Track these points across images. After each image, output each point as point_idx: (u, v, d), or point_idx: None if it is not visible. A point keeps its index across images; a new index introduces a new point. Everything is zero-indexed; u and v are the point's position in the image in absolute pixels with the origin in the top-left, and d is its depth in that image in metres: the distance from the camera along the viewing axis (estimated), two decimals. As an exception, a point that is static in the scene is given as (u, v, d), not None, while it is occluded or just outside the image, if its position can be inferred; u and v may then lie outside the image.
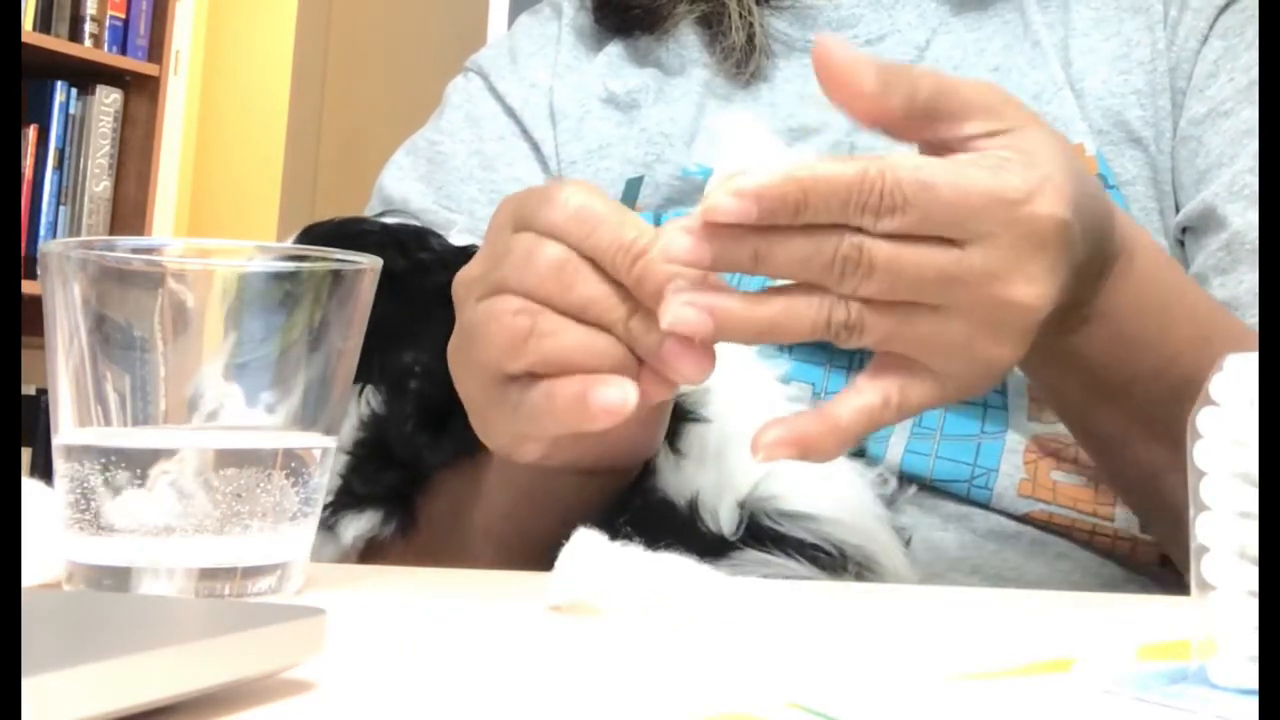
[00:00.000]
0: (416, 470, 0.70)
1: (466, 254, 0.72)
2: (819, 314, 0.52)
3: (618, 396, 0.52)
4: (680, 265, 0.51)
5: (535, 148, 0.92)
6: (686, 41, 0.92)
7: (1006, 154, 0.53)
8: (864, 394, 0.53)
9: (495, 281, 0.54)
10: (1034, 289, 0.53)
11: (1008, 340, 0.53)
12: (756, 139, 0.53)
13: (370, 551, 0.71)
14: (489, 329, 0.54)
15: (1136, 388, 0.64)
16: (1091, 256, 0.57)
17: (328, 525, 0.68)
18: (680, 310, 0.51)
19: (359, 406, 0.69)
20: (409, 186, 0.92)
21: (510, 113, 0.93)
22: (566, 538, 0.51)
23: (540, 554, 0.52)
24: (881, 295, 0.51)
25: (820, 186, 0.50)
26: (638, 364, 0.53)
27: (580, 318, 0.53)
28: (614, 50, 0.93)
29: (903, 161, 0.51)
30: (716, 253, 0.51)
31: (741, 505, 0.65)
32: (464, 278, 0.57)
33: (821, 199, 0.50)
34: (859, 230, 0.51)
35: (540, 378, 0.53)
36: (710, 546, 0.62)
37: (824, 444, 0.52)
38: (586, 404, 0.52)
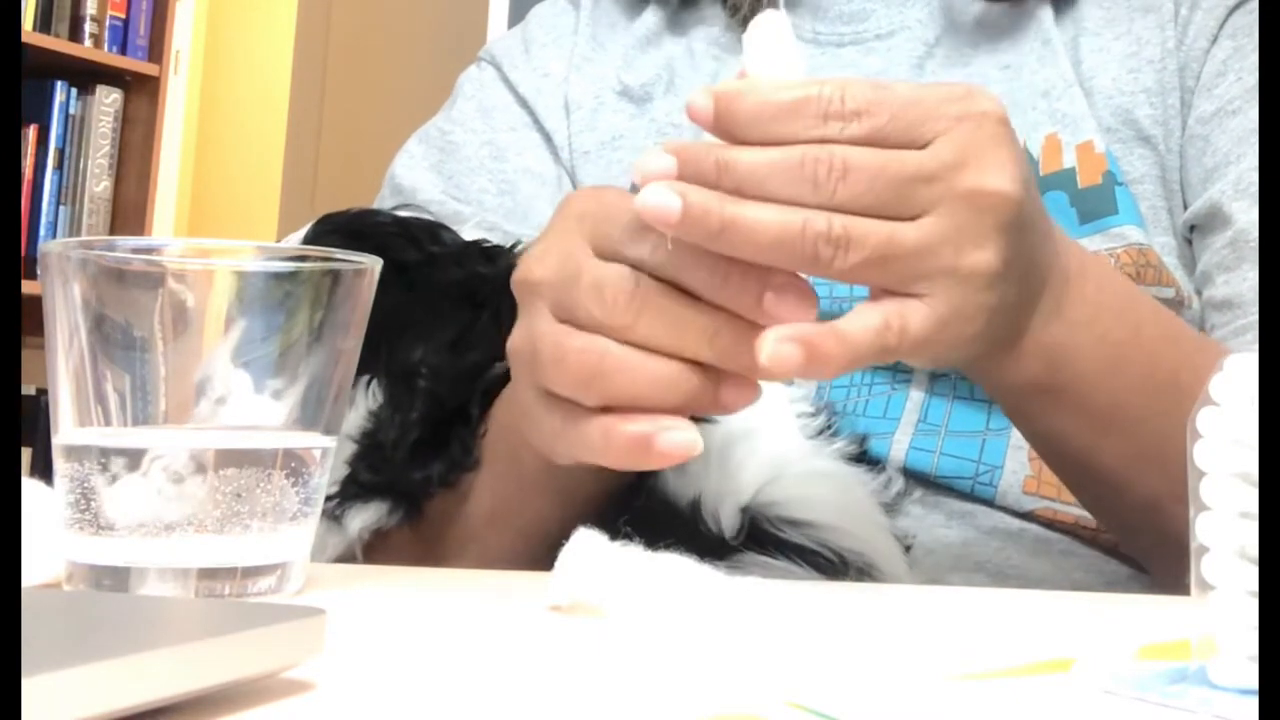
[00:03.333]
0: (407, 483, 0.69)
1: (478, 249, 0.72)
2: (791, 222, 0.50)
3: (685, 441, 0.52)
4: (652, 178, 0.50)
5: (547, 138, 0.92)
6: (700, 32, 0.92)
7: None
8: (865, 314, 0.52)
9: (566, 307, 0.53)
10: (1003, 175, 0.53)
11: (988, 241, 0.53)
12: (782, 43, 0.53)
13: (376, 542, 0.70)
14: (559, 359, 0.53)
15: (1127, 411, 0.64)
16: (1038, 251, 0.58)
17: (334, 516, 0.68)
18: (654, 194, 0.50)
19: (368, 397, 0.69)
20: (419, 175, 0.92)
21: (522, 103, 0.93)
22: (571, 527, 0.51)
23: (548, 542, 0.52)
24: (859, 200, 0.51)
25: (778, 94, 0.51)
26: (714, 386, 0.53)
27: (653, 349, 0.52)
28: (656, 11, 0.93)
29: (858, 80, 0.52)
30: (684, 161, 0.50)
31: (744, 509, 0.65)
32: (528, 279, 0.56)
33: (778, 107, 0.50)
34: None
35: (603, 409, 0.53)
36: (711, 549, 0.62)
37: (830, 354, 0.51)
38: (650, 447, 0.52)
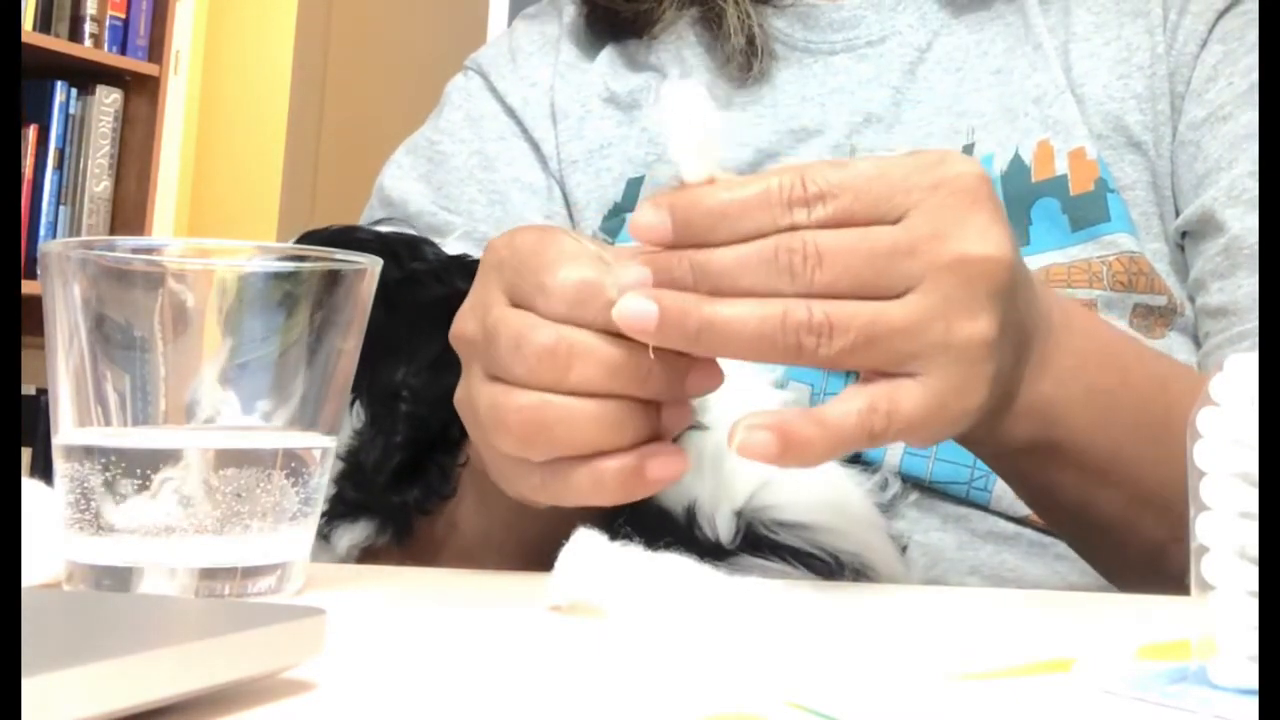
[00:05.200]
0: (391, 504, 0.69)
1: (460, 264, 0.72)
2: (770, 314, 0.49)
3: (674, 462, 0.52)
4: (628, 289, 0.50)
5: (535, 147, 0.92)
6: (687, 43, 0.92)
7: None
8: (851, 399, 0.51)
9: (493, 369, 0.53)
10: (987, 240, 0.51)
11: (980, 309, 0.51)
12: (697, 110, 0.51)
13: (365, 561, 0.70)
14: (498, 420, 0.53)
15: (1123, 459, 0.63)
16: (1029, 309, 0.57)
17: (322, 534, 0.68)
18: (630, 305, 0.49)
19: (352, 416, 0.68)
20: (408, 186, 0.92)
21: (510, 112, 0.93)
22: (566, 539, 0.51)
23: (542, 557, 0.52)
24: (838, 283, 0.49)
25: (735, 193, 0.50)
26: (656, 412, 0.53)
27: (590, 394, 0.51)
28: (613, 52, 0.93)
29: (816, 163, 0.51)
30: (658, 269, 0.50)
31: (739, 514, 0.65)
32: (462, 335, 0.55)
33: (740, 205, 0.49)
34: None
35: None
36: (707, 554, 0.61)
37: (808, 441, 0.50)
38: (643, 477, 0.52)
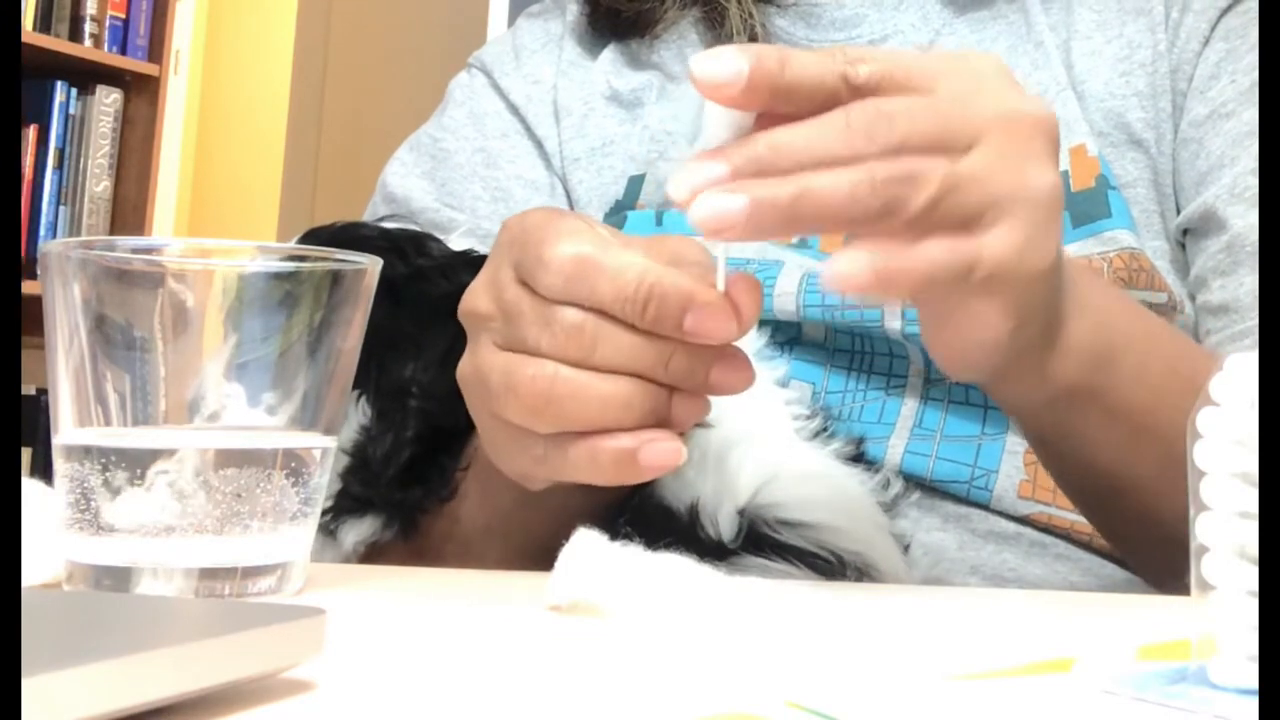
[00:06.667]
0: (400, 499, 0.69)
1: (465, 260, 0.72)
2: (859, 175, 0.49)
3: (669, 451, 0.52)
4: (701, 188, 0.49)
5: (538, 145, 0.92)
6: (690, 41, 0.92)
7: None
8: (939, 242, 0.50)
9: (514, 340, 0.53)
10: (1033, 102, 0.53)
11: (1041, 161, 0.52)
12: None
13: (372, 556, 0.70)
14: (509, 387, 0.53)
15: (1158, 413, 0.63)
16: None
17: (328, 530, 0.68)
18: (712, 202, 0.48)
19: (358, 411, 0.69)
20: (411, 183, 0.92)
21: (513, 110, 0.93)
22: (567, 538, 0.51)
23: (544, 551, 0.52)
24: (911, 141, 0.49)
25: (792, 61, 0.49)
26: (667, 398, 0.53)
27: (611, 372, 0.52)
28: (616, 50, 0.93)
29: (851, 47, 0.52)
30: (730, 159, 0.49)
31: (741, 512, 0.65)
32: (473, 310, 0.56)
33: (800, 68, 0.49)
34: None
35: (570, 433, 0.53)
36: (709, 553, 0.62)
37: (900, 270, 0.49)
38: (636, 461, 0.52)
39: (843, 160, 0.49)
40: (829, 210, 0.49)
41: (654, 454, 0.52)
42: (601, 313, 0.52)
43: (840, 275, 0.49)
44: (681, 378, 0.52)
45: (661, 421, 0.53)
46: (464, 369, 0.57)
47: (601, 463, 0.52)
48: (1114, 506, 0.69)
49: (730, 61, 0.49)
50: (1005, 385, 0.62)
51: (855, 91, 0.50)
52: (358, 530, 0.69)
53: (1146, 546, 0.71)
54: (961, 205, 0.50)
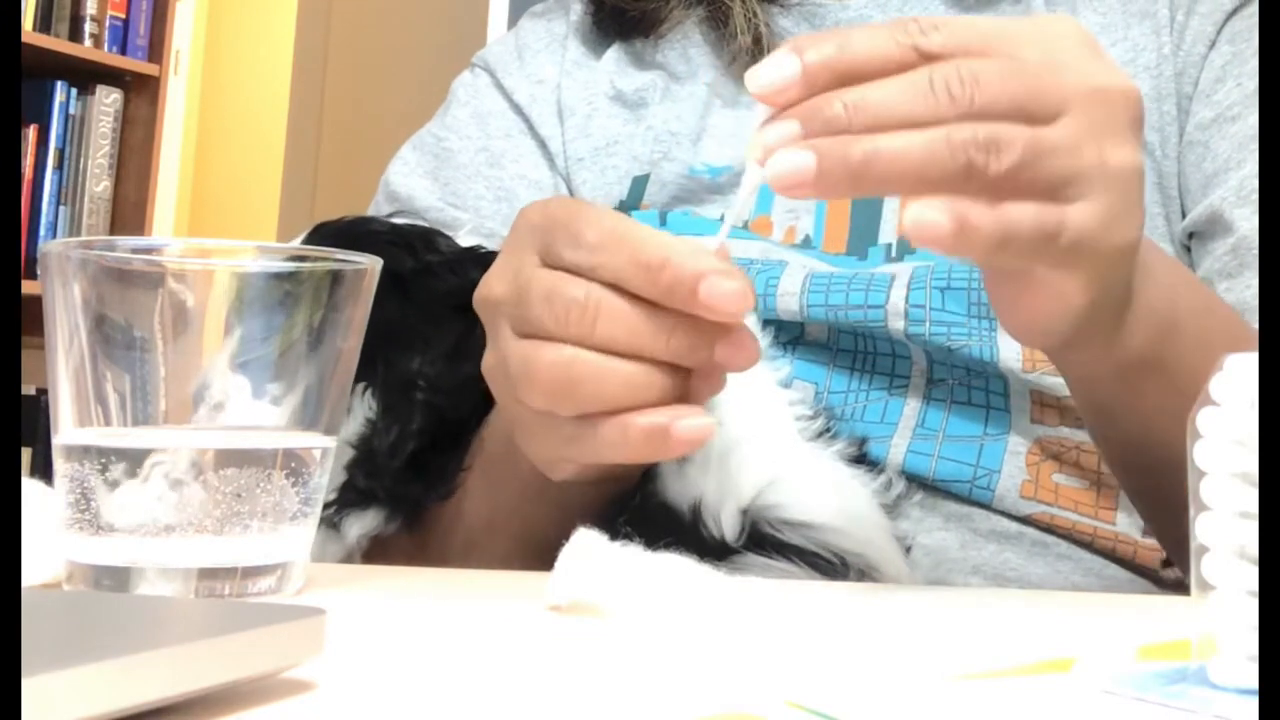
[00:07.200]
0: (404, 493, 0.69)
1: (474, 256, 0.72)
2: (937, 134, 0.48)
3: (700, 425, 0.52)
4: (776, 146, 0.48)
5: (542, 145, 0.92)
6: (694, 41, 0.92)
7: None
8: (1024, 205, 0.49)
9: (524, 322, 0.54)
10: (1119, 76, 0.52)
11: (1125, 137, 0.51)
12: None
13: (375, 549, 0.71)
14: (528, 374, 0.53)
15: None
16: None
17: (332, 523, 0.68)
18: (783, 159, 0.47)
19: (364, 405, 0.69)
20: (415, 183, 0.92)
21: (517, 109, 0.93)
22: (568, 536, 0.51)
23: (547, 547, 0.52)
24: (996, 106, 0.48)
25: (853, 40, 0.49)
26: (684, 380, 0.53)
27: (615, 352, 0.52)
28: (620, 50, 0.93)
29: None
30: (805, 119, 0.48)
31: (744, 512, 0.65)
32: (489, 297, 0.56)
33: (863, 45, 0.48)
34: None
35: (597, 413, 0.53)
36: (712, 552, 0.62)
37: (980, 226, 0.48)
38: (669, 436, 0.52)
39: (922, 121, 0.48)
40: (900, 171, 0.48)
41: (686, 429, 0.52)
42: (608, 286, 0.52)
43: (919, 222, 0.48)
44: (683, 354, 0.52)
45: (681, 400, 0.53)
46: (487, 361, 0.57)
47: (633, 439, 0.52)
48: (1165, 483, 0.69)
49: (782, 63, 0.48)
50: (1073, 354, 0.61)
51: (928, 60, 0.49)
52: (361, 523, 0.69)
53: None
54: (1046, 175, 0.49)
